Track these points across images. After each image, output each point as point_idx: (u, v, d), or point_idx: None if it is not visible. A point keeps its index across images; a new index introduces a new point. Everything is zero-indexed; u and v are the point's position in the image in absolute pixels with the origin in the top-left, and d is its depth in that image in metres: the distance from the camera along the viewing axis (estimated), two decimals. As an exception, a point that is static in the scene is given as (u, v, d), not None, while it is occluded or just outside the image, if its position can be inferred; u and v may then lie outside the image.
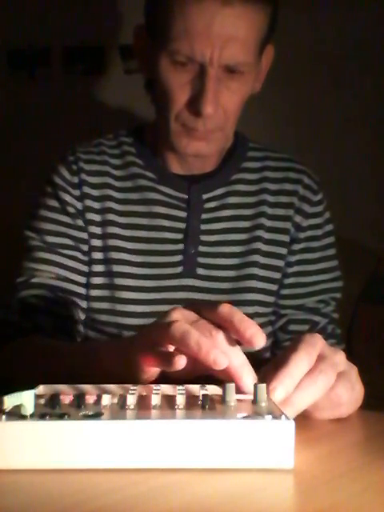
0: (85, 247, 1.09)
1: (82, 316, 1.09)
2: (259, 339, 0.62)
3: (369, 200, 1.98)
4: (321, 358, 0.65)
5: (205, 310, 0.65)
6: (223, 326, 0.64)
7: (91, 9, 1.97)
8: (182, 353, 0.61)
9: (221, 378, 0.63)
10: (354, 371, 0.71)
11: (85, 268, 1.09)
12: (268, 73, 1.10)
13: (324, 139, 1.97)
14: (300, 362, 0.63)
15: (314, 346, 0.65)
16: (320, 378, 0.64)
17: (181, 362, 0.59)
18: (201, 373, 0.65)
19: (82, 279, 1.08)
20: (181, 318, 0.64)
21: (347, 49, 1.93)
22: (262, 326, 1.12)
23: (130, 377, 0.66)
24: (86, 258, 1.09)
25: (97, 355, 0.78)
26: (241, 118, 1.06)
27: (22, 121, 2.02)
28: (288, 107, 1.96)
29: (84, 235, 1.09)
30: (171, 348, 0.63)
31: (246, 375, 0.62)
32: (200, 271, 1.09)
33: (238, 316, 0.63)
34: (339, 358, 0.67)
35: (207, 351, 0.59)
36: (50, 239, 1.07)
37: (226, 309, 0.64)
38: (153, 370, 0.65)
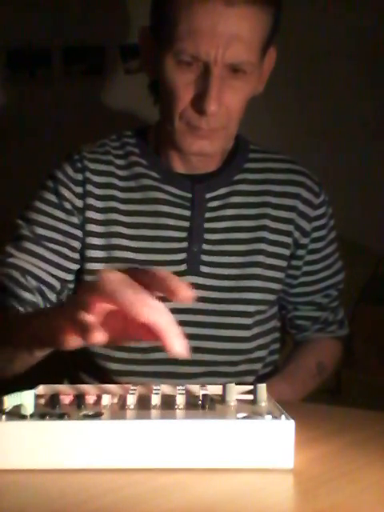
0: (75, 243, 1.09)
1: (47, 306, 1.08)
2: (185, 291, 0.62)
3: (369, 201, 1.98)
4: None
5: (130, 273, 0.64)
6: (147, 287, 0.63)
7: (91, 9, 1.97)
8: (110, 314, 0.61)
9: (145, 340, 0.63)
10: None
11: (68, 264, 1.08)
12: (276, 74, 1.10)
13: (325, 140, 1.97)
14: None
15: None
16: None
17: (99, 337, 0.59)
18: (128, 337, 0.65)
19: (61, 274, 1.07)
20: (109, 277, 0.63)
21: (350, 48, 1.93)
22: (262, 322, 1.13)
23: (53, 342, 0.67)
24: (74, 255, 1.09)
25: (30, 318, 0.78)
26: (247, 119, 1.07)
27: (22, 121, 2.02)
28: (290, 108, 1.96)
29: (77, 232, 1.09)
30: (97, 318, 0.63)
31: (173, 334, 0.59)
32: (204, 269, 1.09)
33: (163, 272, 0.64)
34: None
35: (138, 306, 0.59)
36: (39, 231, 1.07)
37: (151, 270, 0.65)
38: (74, 339, 0.64)
